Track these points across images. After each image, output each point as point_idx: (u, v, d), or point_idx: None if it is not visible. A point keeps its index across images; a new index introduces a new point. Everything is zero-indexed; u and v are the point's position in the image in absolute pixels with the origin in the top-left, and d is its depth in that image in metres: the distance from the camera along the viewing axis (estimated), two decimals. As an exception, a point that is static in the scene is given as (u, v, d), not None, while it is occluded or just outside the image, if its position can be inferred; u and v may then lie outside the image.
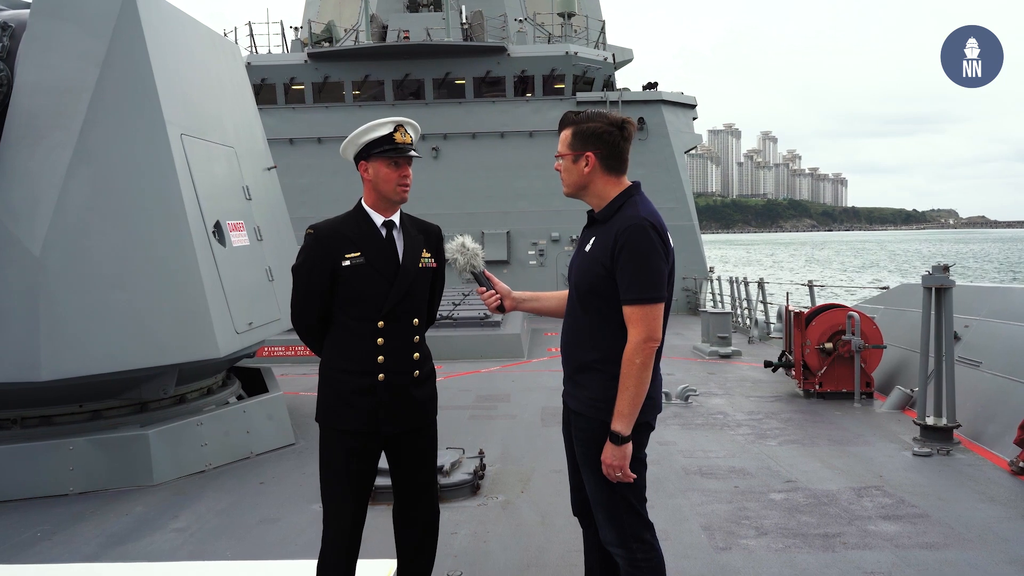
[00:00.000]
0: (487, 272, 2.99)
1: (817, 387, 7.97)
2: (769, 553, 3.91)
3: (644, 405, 2.53)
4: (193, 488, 5.15)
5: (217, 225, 5.85)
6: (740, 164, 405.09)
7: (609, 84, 23.87)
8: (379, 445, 2.92)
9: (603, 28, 25.88)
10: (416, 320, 2.94)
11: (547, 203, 21.84)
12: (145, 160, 5.34)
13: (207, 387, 6.25)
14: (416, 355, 2.94)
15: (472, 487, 4.96)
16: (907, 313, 8.55)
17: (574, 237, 20.71)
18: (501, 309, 2.95)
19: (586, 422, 2.59)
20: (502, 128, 22.66)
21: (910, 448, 5.91)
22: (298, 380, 8.80)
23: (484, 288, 2.96)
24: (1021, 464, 5.19)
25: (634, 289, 2.46)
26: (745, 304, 16.01)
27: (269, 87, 21.79)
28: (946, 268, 6.21)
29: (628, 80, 32.25)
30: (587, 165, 2.60)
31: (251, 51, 23.03)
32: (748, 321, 15.37)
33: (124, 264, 5.19)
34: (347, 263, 2.82)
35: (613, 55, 25.46)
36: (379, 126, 2.85)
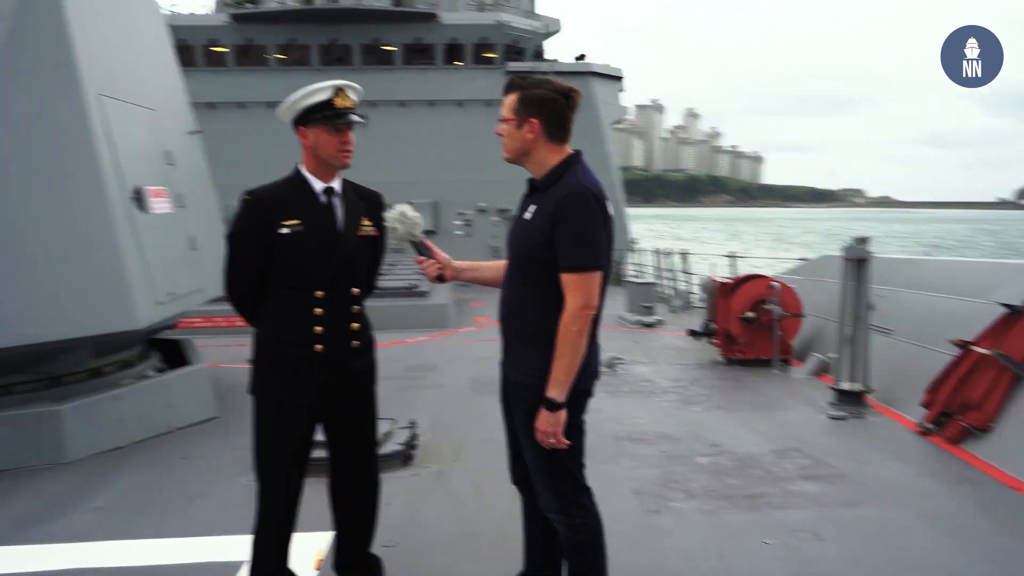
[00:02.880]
0: (427, 241, 2.93)
1: (739, 355, 8.21)
2: (698, 515, 4.02)
3: (582, 372, 2.55)
4: (111, 465, 4.95)
5: (137, 191, 5.59)
6: (664, 139, 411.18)
7: (539, 54, 23.81)
8: (317, 417, 2.86)
9: (535, -4, 25.72)
10: (356, 290, 2.88)
11: (475, 173, 21.71)
12: (60, 121, 5.04)
13: (125, 360, 6.01)
14: (355, 325, 2.88)
15: (404, 457, 4.93)
16: (824, 283, 8.87)
17: (501, 208, 20.67)
18: (441, 279, 2.92)
19: (526, 391, 2.59)
20: (432, 97, 22.37)
21: (826, 412, 6.16)
22: (219, 352, 8.55)
23: (424, 257, 2.91)
24: (927, 426, 5.48)
25: (572, 257, 2.46)
26: (668, 275, 16.31)
27: (188, 48, 20.91)
28: (864, 240, 6.45)
29: (556, 52, 32.26)
30: (531, 131, 2.57)
31: (169, 11, 22.06)
32: (671, 291, 15.72)
33: (36, 231, 4.91)
34: (285, 230, 2.73)
35: (547, 25, 25.41)
36: (319, 91, 2.75)
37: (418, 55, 22.76)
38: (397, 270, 14.50)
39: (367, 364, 2.96)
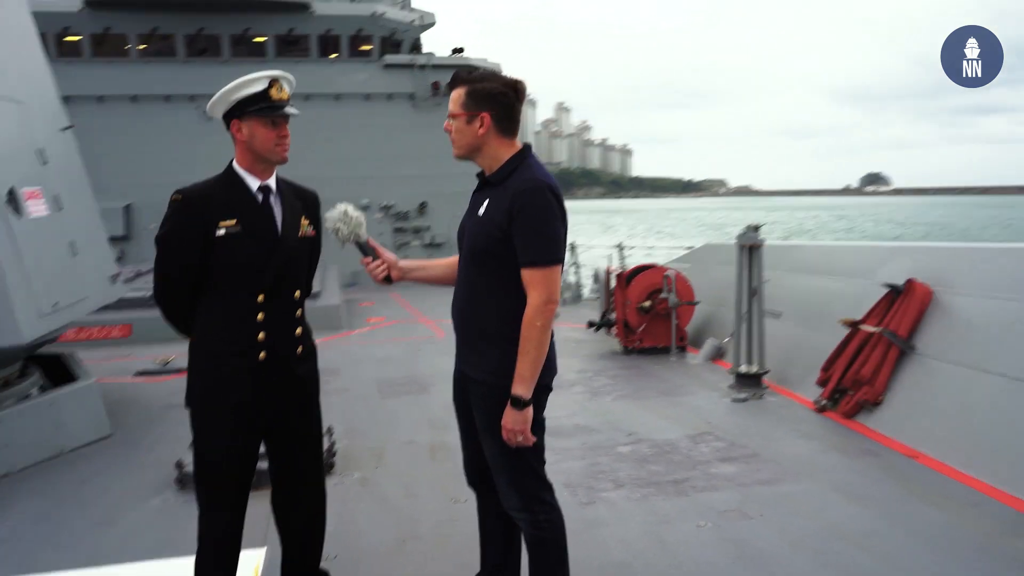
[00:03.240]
0: (371, 241, 2.84)
1: (638, 343, 8.45)
2: (630, 503, 4.11)
3: (543, 368, 2.54)
4: (1, 495, 4.55)
5: (11, 192, 5.14)
6: (536, 133, 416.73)
7: (417, 47, 23.54)
8: (261, 426, 2.71)
9: (411, -12, 25.38)
10: (298, 293, 2.75)
11: (355, 168, 21.22)
12: None
13: (4, 379, 5.51)
14: (299, 330, 2.76)
15: (326, 466, 4.78)
16: (710, 271, 9.26)
17: (384, 204, 20.34)
18: (388, 280, 2.82)
19: (487, 389, 2.56)
20: (307, 90, 21.62)
21: (728, 395, 6.44)
22: (100, 366, 8.01)
23: (369, 258, 2.81)
24: (824, 402, 5.82)
25: (533, 251, 2.45)
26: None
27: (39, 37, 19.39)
28: (757, 228, 6.77)
29: (430, 45, 31.86)
30: (482, 126, 2.53)
31: None
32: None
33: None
34: (221, 231, 2.56)
35: (422, 17, 25.15)
36: (253, 82, 2.61)
37: (291, 47, 22.03)
38: None
39: (311, 370, 2.84)
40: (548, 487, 2.67)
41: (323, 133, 21.37)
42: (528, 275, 2.46)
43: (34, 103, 6.03)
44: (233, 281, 2.61)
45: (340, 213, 2.78)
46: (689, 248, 11.09)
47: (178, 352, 9.08)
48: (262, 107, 2.60)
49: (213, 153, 19.13)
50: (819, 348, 6.42)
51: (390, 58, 22.18)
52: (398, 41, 22.92)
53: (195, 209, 2.57)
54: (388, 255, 2.83)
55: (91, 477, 4.83)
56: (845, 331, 6.04)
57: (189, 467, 4.56)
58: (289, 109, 2.67)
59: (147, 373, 8.20)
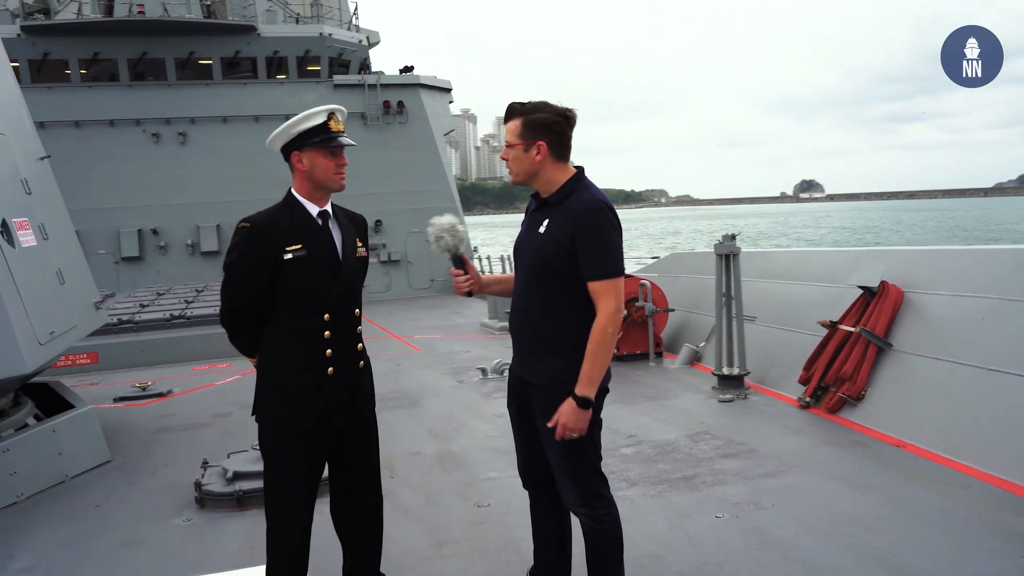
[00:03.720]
0: (465, 256, 2.98)
1: (616, 351, 8.67)
2: (647, 499, 4.30)
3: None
4: (16, 523, 4.50)
5: (3, 223, 5.11)
6: (477, 148, 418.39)
7: (366, 67, 23.59)
8: (328, 441, 2.82)
9: (356, 10, 25.44)
10: (357, 311, 2.89)
11: (308, 189, 21.16)
12: None
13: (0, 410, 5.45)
14: (360, 345, 2.90)
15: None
16: (679, 279, 9.58)
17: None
18: (469, 293, 2.98)
19: (552, 394, 2.72)
20: (256, 112, 21.51)
21: (713, 396, 6.71)
22: (86, 392, 7.90)
23: (459, 271, 2.95)
24: (807, 399, 6.12)
25: (599, 265, 2.64)
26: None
27: None
28: (733, 237, 7.08)
29: (375, 64, 31.81)
30: (538, 153, 2.72)
31: None
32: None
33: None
34: (289, 256, 2.70)
35: (368, 37, 25.21)
36: (313, 115, 2.77)
37: (237, 69, 21.87)
38: (203, 296, 13.86)
39: (369, 383, 2.99)
40: (605, 482, 2.84)
41: (273, 154, 21.19)
42: (596, 287, 2.65)
43: (13, 133, 5.99)
44: (300, 302, 2.73)
45: (448, 225, 2.92)
46: (638, 259, 11.43)
47: (154, 377, 9.00)
48: (323, 138, 2.73)
49: (162, 177, 18.88)
50: (795, 349, 6.75)
51: (339, 78, 22.17)
52: (346, 61, 22.96)
53: (263, 235, 2.69)
54: (475, 270, 2.99)
55: (103, 501, 4.81)
56: (821, 332, 6.37)
57: (208, 486, 4.61)
58: (345, 139, 2.81)
59: (127, 399, 8.10)
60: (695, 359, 8.26)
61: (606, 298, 2.65)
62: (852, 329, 5.91)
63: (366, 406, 2.94)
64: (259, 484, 4.54)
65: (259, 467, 4.69)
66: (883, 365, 5.68)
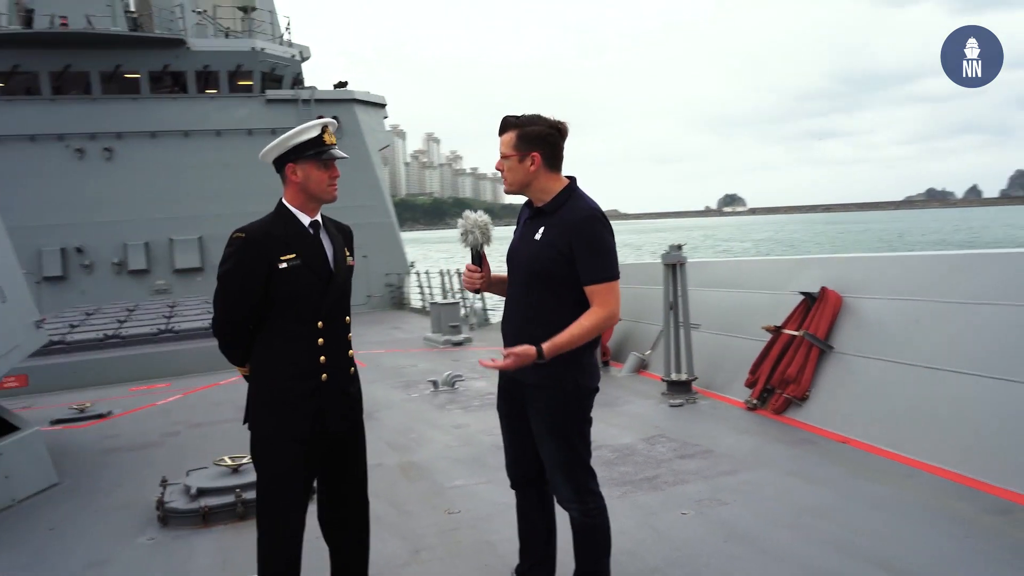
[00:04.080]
0: (484, 253, 3.04)
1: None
2: (612, 500, 4.36)
3: (591, 372, 2.88)
4: None
5: None
6: (407, 164, 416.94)
7: (298, 81, 23.37)
8: (323, 448, 2.85)
9: (288, 24, 25.20)
10: (347, 318, 2.94)
11: (241, 205, 20.63)
12: None
13: (-61, 432, 5.23)
14: (350, 352, 2.94)
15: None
16: (623, 289, 9.78)
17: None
18: (478, 290, 3.05)
19: (547, 393, 2.83)
20: (186, 127, 21.07)
21: (663, 401, 6.91)
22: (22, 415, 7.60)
23: (476, 267, 3.01)
24: (753, 402, 6.37)
25: (597, 269, 2.77)
26: (459, 294, 16.77)
27: None
28: (679, 247, 7.31)
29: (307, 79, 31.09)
30: (532, 164, 2.84)
31: None
32: (465, 310, 16.22)
33: None
34: (284, 265, 2.73)
35: (300, 52, 24.98)
36: (309, 129, 2.82)
37: (161, 84, 21.38)
38: (136, 315, 13.54)
39: (359, 389, 3.03)
40: (594, 476, 2.95)
41: (204, 170, 20.82)
42: (595, 290, 2.78)
43: None
44: (294, 310, 2.77)
45: (482, 223, 3.00)
46: None
47: (91, 399, 8.72)
48: (318, 151, 2.79)
49: (87, 194, 18.33)
50: (739, 354, 7.01)
51: (272, 93, 21.93)
52: (279, 76, 22.71)
53: (258, 245, 2.72)
54: (489, 269, 3.06)
55: (58, 524, 4.68)
56: (763, 337, 6.64)
57: (171, 504, 4.53)
58: (338, 152, 2.86)
59: (66, 421, 7.84)
60: (641, 367, 8.47)
61: (603, 299, 2.78)
62: (795, 333, 6.18)
63: (357, 412, 2.99)
64: (225, 500, 4.52)
65: (223, 483, 4.67)
66: (825, 366, 5.96)
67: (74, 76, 20.33)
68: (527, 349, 2.75)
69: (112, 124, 20.23)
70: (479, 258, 3.06)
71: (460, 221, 3.05)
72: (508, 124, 2.88)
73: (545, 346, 2.74)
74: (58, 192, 19.51)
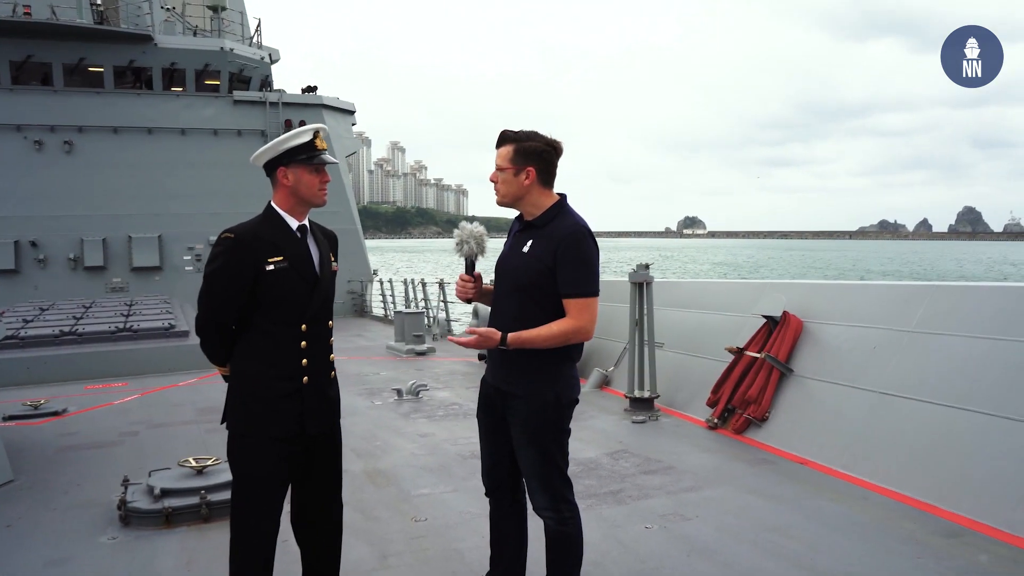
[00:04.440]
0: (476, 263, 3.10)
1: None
2: (580, 512, 4.47)
3: (571, 383, 2.96)
4: None
5: None
6: (371, 172, 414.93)
7: (267, 84, 23.20)
8: (301, 449, 2.87)
9: (259, 25, 25.02)
10: (331, 322, 2.97)
11: (203, 205, 20.52)
12: None
13: None
14: (332, 356, 2.97)
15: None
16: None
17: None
18: (469, 300, 3.10)
19: (527, 402, 2.90)
20: (149, 123, 20.75)
21: (626, 417, 7.01)
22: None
23: (469, 276, 3.07)
24: (715, 421, 6.50)
25: (577, 284, 2.84)
26: (423, 304, 16.77)
27: None
28: (647, 266, 7.45)
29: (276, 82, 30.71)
30: (527, 178, 2.92)
31: None
32: (429, 320, 16.21)
33: None
34: (271, 267, 2.76)
35: (270, 54, 24.82)
36: (301, 134, 2.86)
37: (130, 79, 21.07)
38: (94, 312, 13.31)
39: (337, 393, 3.05)
40: (570, 486, 3.02)
41: (166, 168, 20.54)
42: (572, 304, 2.85)
43: None
44: (279, 312, 2.79)
45: (478, 234, 3.07)
46: None
47: (44, 395, 8.53)
48: (310, 155, 2.83)
49: (44, 187, 18.04)
50: (701, 373, 7.16)
51: (240, 94, 21.75)
52: (247, 77, 22.52)
53: (246, 246, 2.75)
54: (481, 280, 3.12)
55: (15, 521, 4.59)
56: (725, 358, 6.80)
57: (134, 503, 4.48)
58: (328, 157, 2.91)
59: (19, 417, 7.66)
60: (604, 383, 8.58)
61: (574, 314, 2.85)
62: (757, 355, 6.34)
63: (335, 415, 3.02)
64: (189, 501, 4.48)
65: (188, 484, 4.63)
66: (785, 389, 6.12)
67: (35, 67, 19.94)
68: (492, 331, 2.84)
69: (73, 117, 19.86)
70: (472, 268, 3.13)
71: (456, 232, 3.12)
72: (506, 138, 2.96)
73: (510, 335, 2.83)
74: (14, 184, 19.07)
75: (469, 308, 15.24)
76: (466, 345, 2.91)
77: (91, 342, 10.86)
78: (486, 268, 3.07)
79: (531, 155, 2.92)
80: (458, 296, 3.15)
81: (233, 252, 2.75)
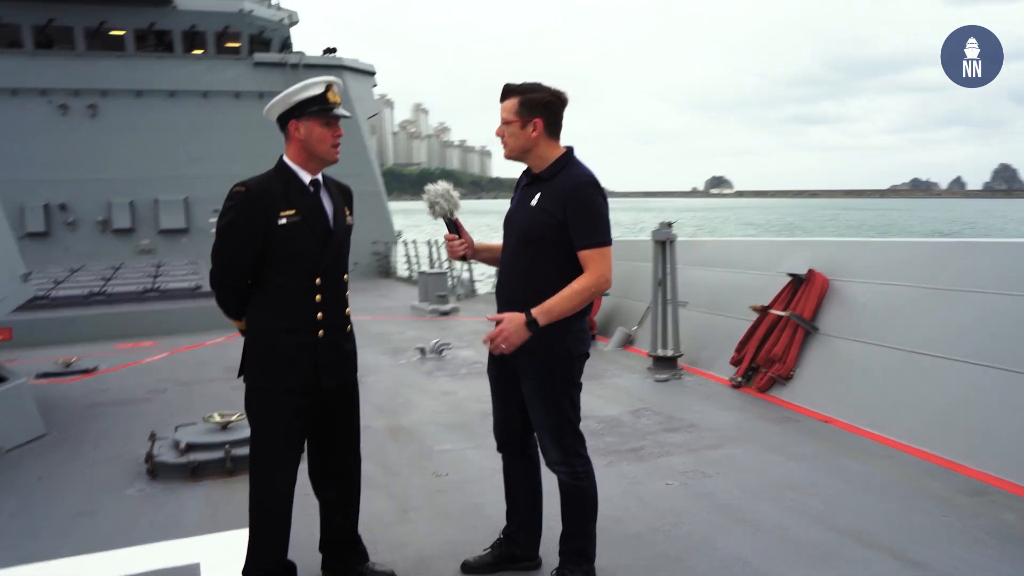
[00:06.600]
0: (459, 221, 3.07)
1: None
2: (599, 469, 4.37)
3: (580, 336, 2.93)
4: None
5: None
6: (395, 134, 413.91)
7: (287, 45, 23.08)
8: (317, 402, 2.88)
9: (280, -14, 24.77)
10: (345, 276, 2.96)
11: (227, 167, 20.47)
12: None
13: (-76, 382, 5.22)
14: (347, 310, 2.97)
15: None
16: (613, 264, 9.83)
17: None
18: (464, 258, 3.07)
19: (539, 358, 2.87)
20: (172, 86, 20.77)
21: (649, 376, 6.98)
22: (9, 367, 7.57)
23: (454, 236, 3.04)
24: (739, 379, 6.46)
25: (591, 235, 2.80)
26: (446, 264, 16.75)
27: None
28: (670, 224, 7.36)
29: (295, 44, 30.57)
30: (534, 130, 2.86)
31: None
32: (452, 280, 16.23)
33: None
34: (283, 221, 2.75)
35: (289, 16, 24.63)
36: (312, 85, 2.82)
37: (149, 42, 21.04)
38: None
39: (354, 347, 3.06)
40: (583, 440, 3.01)
41: (190, 131, 20.59)
42: (589, 255, 2.81)
43: None
44: (292, 266, 2.79)
45: (443, 191, 3.04)
46: None
47: (75, 354, 8.68)
48: (322, 108, 2.79)
49: (71, 151, 18.16)
50: (725, 332, 7.09)
51: (260, 56, 21.66)
52: (267, 39, 22.40)
53: (258, 200, 2.74)
54: (468, 236, 3.09)
55: (46, 474, 4.70)
56: (749, 316, 6.72)
57: (160, 457, 4.56)
58: (341, 111, 2.86)
59: (52, 375, 7.82)
60: (628, 342, 8.55)
61: (596, 264, 2.81)
62: (782, 313, 6.27)
63: (352, 368, 3.02)
64: (214, 455, 4.55)
65: (213, 439, 4.69)
66: (810, 347, 6.05)
67: (57, 31, 19.96)
68: (515, 321, 2.76)
69: (96, 81, 19.91)
70: (454, 226, 3.09)
71: (424, 196, 3.07)
72: (510, 91, 2.90)
73: (534, 312, 2.76)
74: (41, 148, 19.24)
75: (489, 268, 15.20)
76: (493, 341, 2.82)
77: (120, 302, 11.02)
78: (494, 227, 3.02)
79: (537, 106, 2.86)
80: (450, 257, 3.13)
81: (245, 205, 2.73)
